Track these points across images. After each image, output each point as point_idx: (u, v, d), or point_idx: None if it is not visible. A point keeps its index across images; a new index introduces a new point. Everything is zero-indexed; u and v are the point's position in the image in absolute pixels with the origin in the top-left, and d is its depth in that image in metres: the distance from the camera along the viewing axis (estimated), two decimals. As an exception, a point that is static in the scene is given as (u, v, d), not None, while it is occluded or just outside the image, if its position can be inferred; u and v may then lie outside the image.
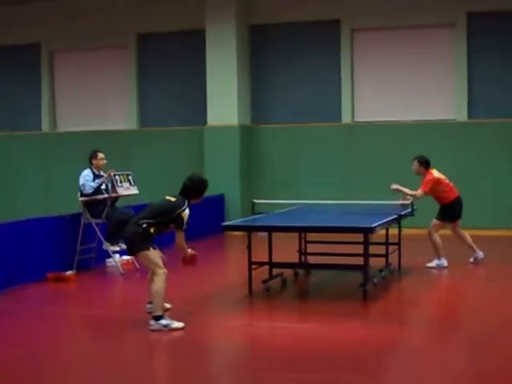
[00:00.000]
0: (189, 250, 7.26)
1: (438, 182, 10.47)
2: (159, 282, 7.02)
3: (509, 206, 14.16)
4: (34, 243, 9.64)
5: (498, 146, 14.27)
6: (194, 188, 7.23)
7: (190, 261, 7.31)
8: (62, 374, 5.79)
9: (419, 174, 10.56)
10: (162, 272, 7.06)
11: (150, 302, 7.21)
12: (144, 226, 7.06)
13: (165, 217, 7.10)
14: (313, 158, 15.35)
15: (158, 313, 7.00)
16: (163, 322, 6.98)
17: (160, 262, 7.14)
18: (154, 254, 7.16)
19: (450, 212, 10.55)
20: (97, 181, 10.26)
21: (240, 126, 15.30)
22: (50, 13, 17.06)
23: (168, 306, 7.49)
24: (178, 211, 7.04)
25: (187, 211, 7.09)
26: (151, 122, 16.73)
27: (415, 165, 10.58)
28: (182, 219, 7.03)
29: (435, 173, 10.53)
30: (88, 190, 10.24)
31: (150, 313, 7.18)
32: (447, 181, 10.62)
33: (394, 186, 10.41)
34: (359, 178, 14.97)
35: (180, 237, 7.10)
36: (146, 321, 7.23)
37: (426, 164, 10.51)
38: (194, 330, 7.03)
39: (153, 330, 6.95)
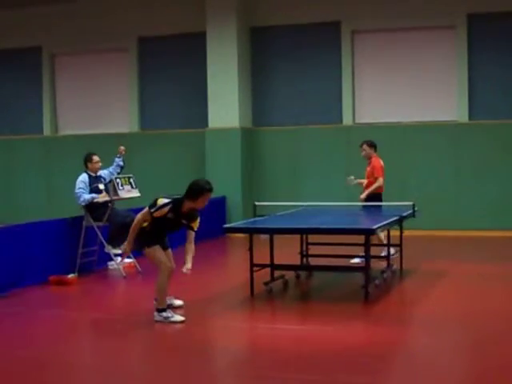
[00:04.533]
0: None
1: (383, 169, 10.56)
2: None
3: (510, 208, 14.15)
4: (36, 246, 9.66)
5: (499, 147, 14.28)
6: (188, 189, 7.31)
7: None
8: (64, 376, 5.80)
9: (368, 158, 10.55)
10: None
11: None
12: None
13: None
14: (314, 159, 15.38)
15: (161, 306, 7.34)
16: (164, 314, 7.28)
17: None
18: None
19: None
20: (93, 195, 10.25)
21: (241, 128, 15.32)
22: (51, 16, 17.12)
23: (179, 302, 7.90)
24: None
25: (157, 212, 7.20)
26: (152, 124, 16.76)
27: (366, 148, 10.57)
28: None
29: (380, 160, 10.61)
30: (81, 202, 10.26)
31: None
32: None
33: (355, 181, 10.59)
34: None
35: None
36: (148, 323, 7.26)
37: (375, 147, 10.56)
38: (196, 332, 7.04)
39: (156, 321, 7.26)
